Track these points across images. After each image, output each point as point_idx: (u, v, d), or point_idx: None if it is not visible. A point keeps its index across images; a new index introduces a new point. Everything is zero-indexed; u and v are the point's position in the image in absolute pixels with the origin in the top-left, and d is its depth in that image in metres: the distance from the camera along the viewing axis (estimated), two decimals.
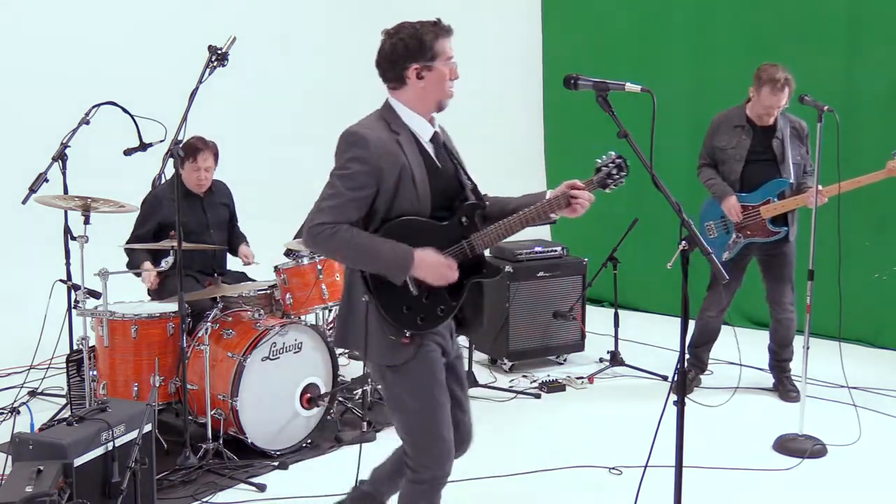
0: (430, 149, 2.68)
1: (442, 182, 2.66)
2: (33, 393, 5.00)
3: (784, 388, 5.08)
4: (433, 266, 2.56)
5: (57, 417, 4.52)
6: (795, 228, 4.96)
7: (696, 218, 5.11)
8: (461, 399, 2.83)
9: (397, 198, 2.58)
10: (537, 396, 5.17)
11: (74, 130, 4.52)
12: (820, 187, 4.70)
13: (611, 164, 2.65)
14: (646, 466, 2.82)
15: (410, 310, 2.59)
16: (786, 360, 5.11)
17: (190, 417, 4.09)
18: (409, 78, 2.62)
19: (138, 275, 4.67)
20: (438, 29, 2.61)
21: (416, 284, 2.60)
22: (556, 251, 5.73)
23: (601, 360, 5.76)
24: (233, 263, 5.24)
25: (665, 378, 5.44)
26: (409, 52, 2.59)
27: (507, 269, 5.43)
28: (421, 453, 2.67)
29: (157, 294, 4.73)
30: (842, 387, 4.86)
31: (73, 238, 4.43)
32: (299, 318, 4.60)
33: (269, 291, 4.76)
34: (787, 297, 5.01)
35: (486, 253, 2.75)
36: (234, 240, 5.20)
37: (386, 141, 2.58)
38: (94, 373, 4.18)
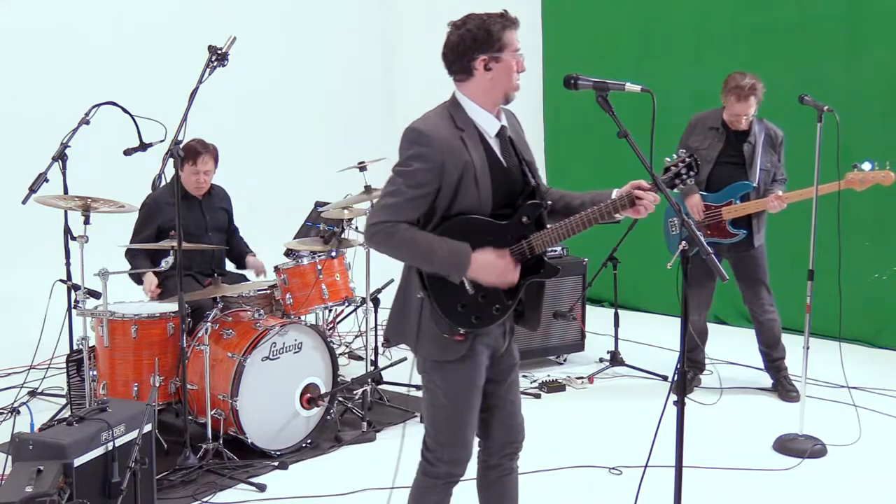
0: (495, 145, 2.64)
1: (505, 180, 2.61)
2: (33, 393, 5.00)
3: (783, 388, 5.08)
4: (491, 268, 2.54)
5: (57, 417, 4.52)
6: (763, 234, 5.00)
7: (661, 214, 5.12)
8: (512, 398, 2.80)
9: (458, 195, 2.55)
10: (537, 396, 5.17)
11: (74, 130, 4.52)
12: (779, 192, 4.75)
13: (680, 164, 2.62)
14: (646, 466, 2.82)
15: (465, 308, 2.57)
16: (779, 359, 5.11)
17: (190, 417, 4.09)
18: (477, 69, 2.58)
19: (139, 281, 4.67)
20: (505, 20, 2.58)
21: (473, 284, 2.58)
22: (555, 251, 5.73)
23: (601, 360, 5.76)
24: (231, 265, 5.24)
25: (665, 378, 5.44)
26: (476, 43, 2.55)
27: None
28: (441, 448, 2.67)
29: (157, 294, 4.73)
30: (842, 387, 4.86)
31: (73, 238, 4.43)
32: (299, 318, 4.60)
33: (269, 291, 4.76)
34: (765, 299, 5.03)
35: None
36: (238, 249, 5.17)
37: (449, 138, 2.55)
38: (94, 373, 4.18)
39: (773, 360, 5.12)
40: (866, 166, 4.51)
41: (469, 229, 2.55)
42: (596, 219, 2.59)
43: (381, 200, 2.57)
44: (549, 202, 2.71)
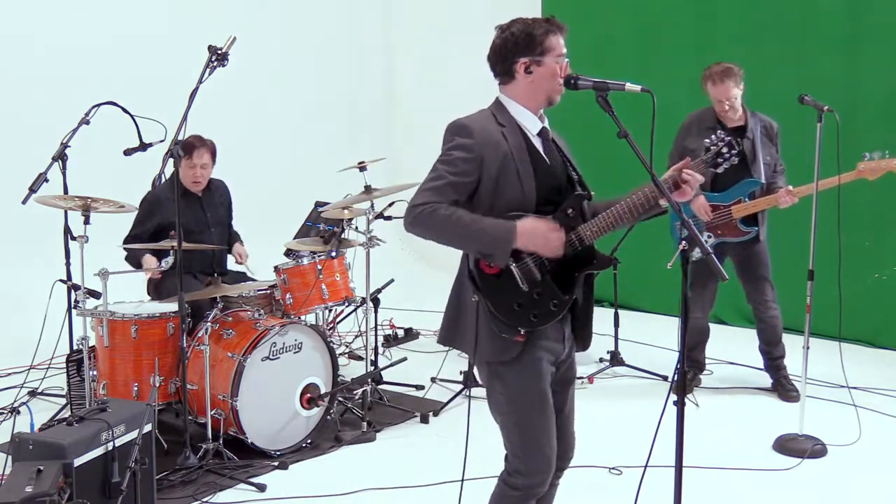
0: (537, 143, 2.62)
1: (548, 176, 2.59)
2: (33, 393, 5.00)
3: (783, 388, 5.08)
4: (538, 232, 2.48)
5: (57, 417, 4.52)
6: (765, 229, 4.97)
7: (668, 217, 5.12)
8: (567, 412, 2.78)
9: (499, 189, 2.53)
10: None
11: (74, 130, 4.51)
12: (790, 187, 4.73)
13: (720, 143, 2.60)
14: (646, 466, 2.82)
15: (522, 307, 2.54)
16: (779, 358, 5.10)
17: (190, 417, 4.09)
18: (518, 72, 2.58)
19: (137, 265, 4.65)
20: (550, 25, 2.57)
21: (526, 279, 2.55)
22: None
23: (601, 360, 5.76)
24: (232, 263, 5.24)
25: (665, 378, 5.44)
26: (517, 47, 2.56)
27: None
28: (516, 460, 2.64)
29: (157, 294, 4.73)
30: (842, 387, 4.86)
31: (73, 238, 4.43)
32: (299, 318, 4.60)
33: (269, 291, 4.76)
34: (768, 296, 5.02)
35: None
36: (230, 239, 5.18)
37: (490, 131, 2.55)
38: (94, 373, 4.18)
39: (773, 358, 5.12)
40: (877, 155, 4.50)
41: None
42: (642, 203, 2.55)
43: (421, 186, 2.55)
44: (593, 193, 2.67)
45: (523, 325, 2.54)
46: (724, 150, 2.60)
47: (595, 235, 2.59)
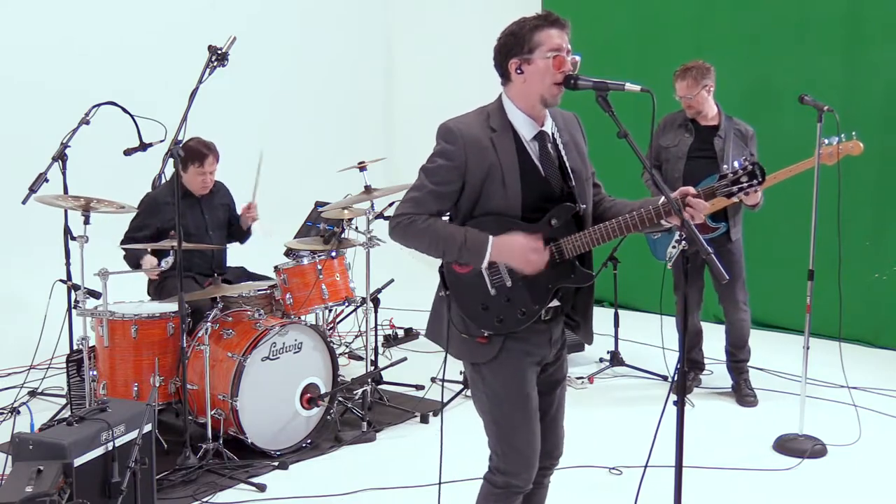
0: (532, 148, 2.57)
1: (538, 184, 2.54)
2: (33, 393, 5.00)
3: (741, 391, 5.02)
4: (514, 249, 2.46)
5: (57, 417, 4.52)
6: (739, 229, 4.92)
7: None
8: (554, 414, 2.77)
9: (483, 196, 2.52)
10: None
11: (74, 130, 4.52)
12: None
13: (740, 171, 2.53)
14: (646, 466, 2.82)
15: (488, 310, 2.54)
16: (742, 361, 5.05)
17: (190, 417, 4.09)
18: (512, 73, 2.55)
19: (136, 266, 4.65)
20: (539, 20, 2.51)
21: (496, 285, 2.54)
22: None
23: (601, 360, 5.76)
24: (232, 262, 5.23)
25: (665, 378, 5.44)
26: (507, 48, 2.54)
27: None
28: (498, 458, 2.64)
29: (157, 294, 4.73)
30: (842, 387, 4.86)
31: (73, 238, 4.43)
32: (299, 318, 4.60)
33: (269, 291, 4.76)
34: (739, 297, 4.97)
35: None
36: (241, 230, 5.14)
37: (477, 137, 2.52)
38: (94, 373, 4.18)
39: (737, 360, 5.06)
40: (834, 140, 4.47)
41: (494, 228, 2.50)
42: (636, 224, 2.50)
43: (405, 195, 2.58)
44: (584, 206, 2.60)
45: (487, 327, 2.54)
46: (744, 178, 2.49)
47: (577, 250, 2.54)
